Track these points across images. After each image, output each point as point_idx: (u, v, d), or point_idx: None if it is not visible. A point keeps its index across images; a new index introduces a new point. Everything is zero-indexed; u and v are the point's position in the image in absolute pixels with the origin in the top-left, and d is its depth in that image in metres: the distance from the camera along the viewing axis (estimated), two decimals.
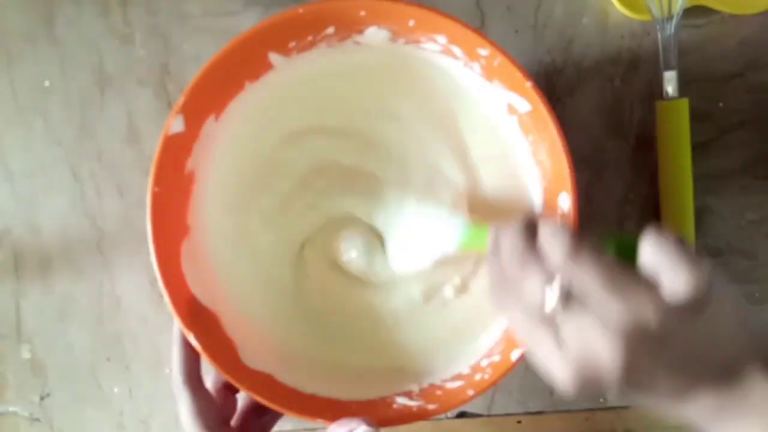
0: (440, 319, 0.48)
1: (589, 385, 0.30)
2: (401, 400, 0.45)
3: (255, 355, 0.45)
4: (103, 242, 0.51)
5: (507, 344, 0.45)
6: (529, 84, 0.42)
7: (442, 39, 0.44)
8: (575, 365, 0.30)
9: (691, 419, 0.32)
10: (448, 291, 0.47)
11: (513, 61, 0.42)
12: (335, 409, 0.44)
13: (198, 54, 0.51)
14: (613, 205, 0.52)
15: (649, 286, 0.30)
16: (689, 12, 0.50)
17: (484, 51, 0.43)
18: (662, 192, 0.51)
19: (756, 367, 0.31)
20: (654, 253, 0.30)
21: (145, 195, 0.42)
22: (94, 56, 0.51)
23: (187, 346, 0.42)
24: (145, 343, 0.52)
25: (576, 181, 0.43)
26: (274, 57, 0.44)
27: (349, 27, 0.44)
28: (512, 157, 0.47)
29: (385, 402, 0.45)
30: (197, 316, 0.43)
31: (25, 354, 0.52)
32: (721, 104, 0.52)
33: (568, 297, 0.30)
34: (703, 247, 0.52)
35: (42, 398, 0.52)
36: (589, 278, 0.30)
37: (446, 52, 0.45)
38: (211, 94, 0.43)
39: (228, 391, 0.44)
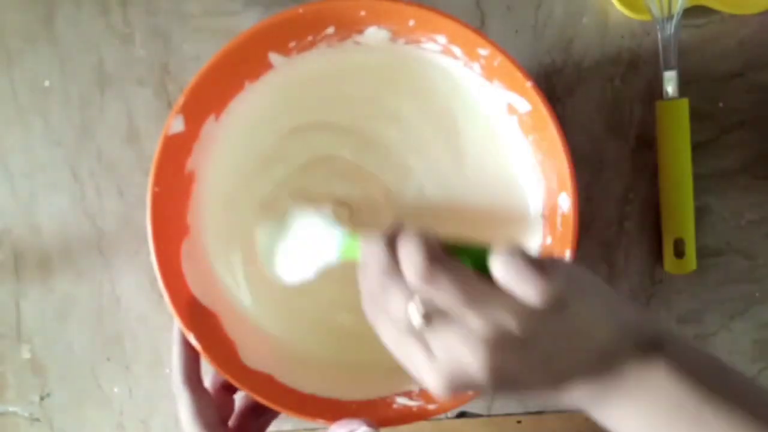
0: None
1: (461, 390, 0.32)
2: (401, 400, 0.45)
3: (255, 355, 0.45)
4: (103, 242, 0.51)
5: None
6: (529, 84, 0.42)
7: (442, 39, 0.44)
8: (445, 374, 0.31)
9: (574, 405, 0.33)
10: None
11: (513, 61, 0.42)
12: (335, 409, 0.44)
13: (198, 54, 0.51)
14: (613, 205, 0.52)
15: (505, 294, 0.30)
16: (689, 12, 0.50)
17: (484, 51, 0.43)
18: (662, 192, 0.51)
19: (629, 352, 0.32)
20: (502, 270, 0.30)
21: (145, 195, 0.42)
22: (94, 56, 0.51)
23: (187, 346, 0.42)
24: (145, 343, 0.52)
25: (576, 181, 0.43)
26: (274, 57, 0.44)
27: (349, 27, 0.44)
28: (512, 157, 0.47)
29: (385, 402, 0.45)
30: (197, 316, 0.43)
31: (25, 354, 0.52)
32: (721, 104, 0.52)
33: (429, 313, 0.31)
34: (703, 247, 0.52)
35: (42, 398, 0.52)
36: (446, 294, 0.30)
37: (446, 52, 0.45)
38: (211, 94, 0.43)
39: (226, 391, 0.44)
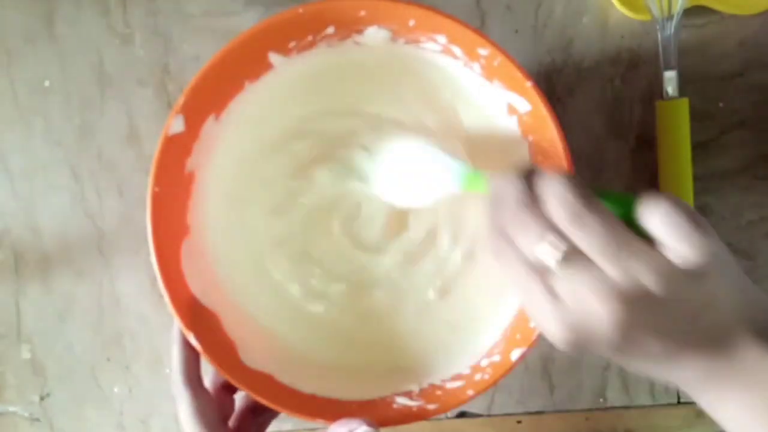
0: (438, 318, 0.48)
1: (582, 341, 0.30)
2: (401, 400, 0.45)
3: (255, 355, 0.45)
4: (103, 242, 0.51)
5: (507, 344, 0.45)
6: (529, 84, 0.42)
7: (442, 39, 0.44)
8: (569, 321, 0.30)
9: (680, 384, 0.32)
10: (431, 293, 0.48)
11: (513, 61, 0.42)
12: (335, 409, 0.44)
13: (198, 54, 0.51)
14: None
15: (652, 248, 0.29)
16: (689, 12, 0.50)
17: (484, 51, 0.43)
18: (662, 192, 0.51)
19: (748, 338, 0.31)
20: (661, 222, 0.29)
21: (145, 195, 0.42)
22: (94, 56, 0.51)
23: (187, 346, 0.42)
24: (145, 343, 0.52)
25: None
26: (274, 57, 0.44)
27: (349, 27, 0.44)
28: (512, 157, 0.47)
29: (385, 402, 0.45)
30: (197, 316, 0.43)
31: (25, 354, 0.52)
32: (721, 104, 0.52)
33: (567, 252, 0.30)
34: None
35: (42, 398, 0.52)
36: (592, 237, 0.29)
37: (446, 52, 0.45)
38: (211, 94, 0.43)
39: (226, 391, 0.44)
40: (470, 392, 0.44)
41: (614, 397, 0.53)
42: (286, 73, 0.46)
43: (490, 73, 0.44)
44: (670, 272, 0.29)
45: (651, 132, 0.51)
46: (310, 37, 0.44)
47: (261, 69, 0.45)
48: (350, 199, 0.48)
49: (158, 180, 0.42)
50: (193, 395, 0.41)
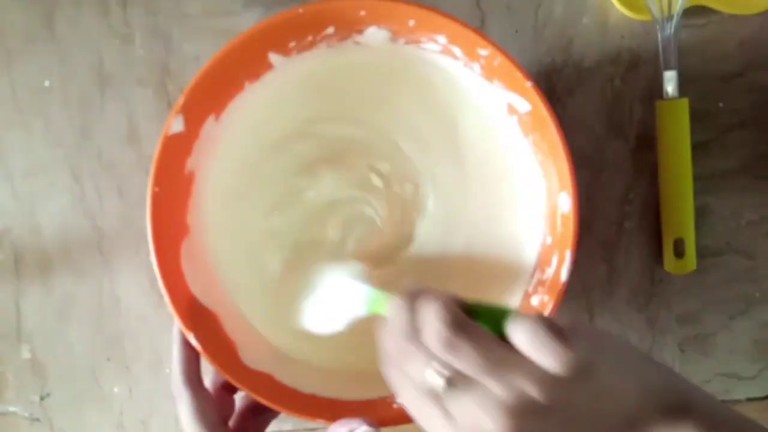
0: None
1: None
2: None
3: (255, 355, 0.45)
4: (103, 242, 0.51)
5: None
6: (529, 84, 0.42)
7: (442, 39, 0.44)
8: None
9: None
10: None
11: (513, 61, 0.42)
12: (335, 409, 0.44)
13: (198, 54, 0.51)
14: (613, 205, 0.52)
15: (527, 360, 0.30)
16: (689, 12, 0.50)
17: (484, 51, 0.43)
18: (662, 192, 0.51)
19: (656, 418, 0.32)
20: (523, 338, 0.30)
21: (145, 195, 0.42)
22: (94, 56, 0.51)
23: (187, 346, 0.42)
24: (145, 343, 0.52)
25: (576, 181, 0.43)
26: (274, 57, 0.44)
27: (349, 27, 0.44)
28: (512, 157, 0.47)
29: (385, 402, 0.45)
30: (197, 316, 0.43)
31: (25, 354, 0.52)
32: (721, 104, 0.52)
33: (450, 378, 0.31)
34: (703, 247, 0.52)
35: (42, 398, 0.52)
36: (467, 360, 0.30)
37: (446, 52, 0.45)
38: (211, 94, 0.43)
39: (226, 391, 0.44)
40: None
41: None
42: (286, 74, 0.46)
43: (490, 73, 0.44)
44: (550, 380, 0.30)
45: (651, 132, 0.51)
46: (310, 37, 0.44)
47: (261, 69, 0.45)
48: (350, 205, 0.48)
49: (158, 180, 0.42)
50: (193, 395, 0.41)
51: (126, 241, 0.51)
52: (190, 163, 0.45)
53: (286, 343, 0.48)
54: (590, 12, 0.52)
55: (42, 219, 0.51)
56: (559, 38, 0.52)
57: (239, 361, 0.44)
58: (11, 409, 0.52)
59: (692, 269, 0.51)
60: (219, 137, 0.46)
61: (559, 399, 0.30)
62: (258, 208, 0.48)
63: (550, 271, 0.45)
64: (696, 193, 0.51)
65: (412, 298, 0.33)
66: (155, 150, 0.42)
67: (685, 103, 0.50)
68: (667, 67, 0.50)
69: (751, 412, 0.53)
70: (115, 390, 0.52)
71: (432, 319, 0.31)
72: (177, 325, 0.42)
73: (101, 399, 0.52)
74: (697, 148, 0.51)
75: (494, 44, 0.42)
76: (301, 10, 0.42)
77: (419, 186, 0.48)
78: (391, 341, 0.33)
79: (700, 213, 0.52)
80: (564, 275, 0.43)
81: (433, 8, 0.42)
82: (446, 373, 0.31)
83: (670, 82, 0.50)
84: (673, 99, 0.50)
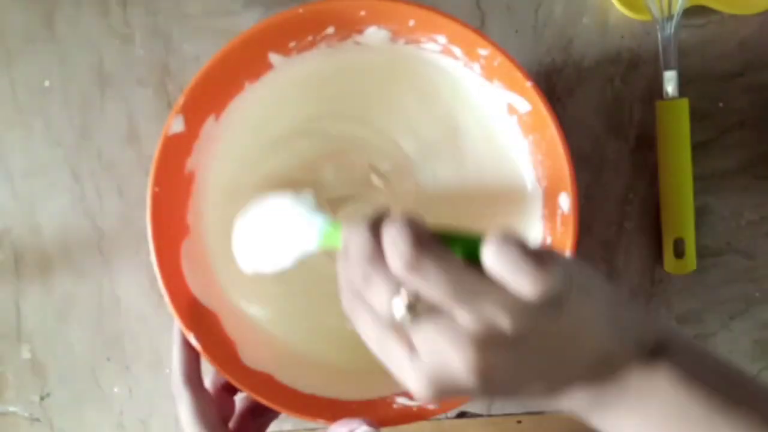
0: None
1: (446, 393, 0.29)
2: (401, 400, 0.45)
3: (255, 355, 0.45)
4: (103, 242, 0.51)
5: None
6: (529, 84, 0.42)
7: (442, 39, 0.44)
8: (429, 375, 0.29)
9: (572, 412, 0.32)
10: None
11: (513, 61, 0.42)
12: (335, 409, 0.44)
13: (198, 54, 0.51)
14: (613, 205, 0.52)
15: (498, 288, 0.28)
16: (689, 12, 0.50)
17: (484, 51, 0.43)
18: (662, 192, 0.51)
19: (631, 357, 0.30)
20: (494, 259, 0.27)
21: (145, 195, 0.42)
22: (94, 56, 0.51)
23: (187, 346, 0.42)
24: (145, 343, 0.52)
25: (576, 181, 0.43)
26: (274, 57, 0.44)
27: (349, 27, 0.44)
28: (512, 157, 0.47)
29: (385, 402, 0.45)
30: (197, 316, 0.43)
31: (25, 354, 0.52)
32: (721, 104, 0.52)
33: (414, 306, 0.28)
34: (703, 247, 0.52)
35: (42, 398, 0.52)
36: (433, 285, 0.28)
37: (446, 52, 0.45)
38: (211, 94, 0.43)
39: (226, 392, 0.44)
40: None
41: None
42: (286, 74, 0.46)
43: (490, 73, 0.44)
44: (521, 309, 0.28)
45: (651, 132, 0.51)
46: (310, 38, 0.44)
47: (261, 69, 0.45)
48: (351, 205, 0.48)
49: (158, 180, 0.42)
50: (193, 396, 0.41)
51: (126, 241, 0.51)
52: (190, 163, 0.45)
53: (287, 342, 0.48)
54: (590, 12, 0.52)
55: (42, 219, 0.51)
56: (559, 38, 0.52)
57: (239, 362, 0.44)
58: (11, 409, 0.52)
59: (692, 269, 0.51)
60: (219, 137, 0.46)
61: (530, 331, 0.28)
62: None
63: None
64: (696, 193, 0.51)
65: (374, 223, 0.30)
66: (155, 150, 0.42)
67: (685, 103, 0.50)
68: (667, 67, 0.50)
69: None
70: (115, 390, 0.52)
71: (395, 240, 0.28)
72: (177, 325, 0.42)
73: (101, 399, 0.52)
74: (697, 148, 0.51)
75: (494, 44, 0.42)
76: (301, 10, 0.42)
77: (419, 185, 0.48)
78: (351, 268, 0.30)
79: (700, 213, 0.52)
80: None
81: (433, 8, 0.42)
82: (408, 300, 0.28)
83: (670, 82, 0.50)
84: (673, 99, 0.50)
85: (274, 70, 0.45)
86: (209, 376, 0.44)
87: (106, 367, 0.52)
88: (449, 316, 0.28)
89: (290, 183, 0.48)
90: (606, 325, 0.30)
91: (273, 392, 0.44)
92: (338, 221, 0.35)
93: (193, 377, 0.42)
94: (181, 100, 0.42)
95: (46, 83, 0.51)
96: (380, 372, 0.47)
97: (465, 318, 0.28)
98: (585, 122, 0.52)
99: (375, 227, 0.29)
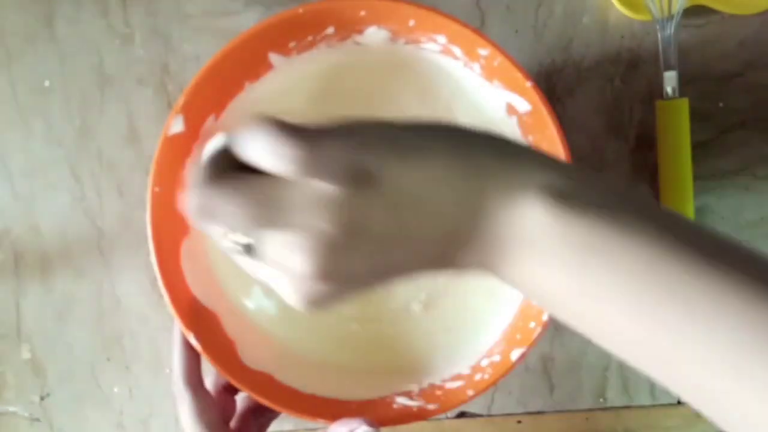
0: (433, 321, 0.48)
1: (318, 302, 0.28)
2: (401, 400, 0.45)
3: (255, 355, 0.45)
4: (103, 242, 0.51)
5: (507, 344, 0.45)
6: (529, 84, 0.42)
7: (442, 39, 0.44)
8: (299, 294, 0.28)
9: (480, 273, 0.29)
10: (416, 306, 0.48)
11: (513, 61, 0.42)
12: (335, 409, 0.44)
13: (198, 54, 0.51)
14: None
15: (292, 189, 0.26)
16: (689, 12, 0.50)
17: (484, 51, 0.43)
18: (662, 192, 0.51)
19: (488, 205, 0.27)
20: (252, 153, 0.26)
21: (145, 195, 0.42)
22: (94, 56, 0.51)
23: (187, 347, 0.42)
24: (145, 343, 0.52)
25: None
26: (274, 57, 0.44)
27: (349, 27, 0.44)
28: None
29: (385, 402, 0.45)
30: (197, 316, 0.43)
31: (25, 354, 0.52)
32: (721, 104, 0.52)
33: (239, 247, 0.27)
34: None
35: (42, 398, 0.52)
36: (238, 226, 0.26)
37: (446, 52, 0.45)
38: (211, 94, 0.43)
39: (227, 392, 0.44)
40: (470, 392, 0.44)
41: (614, 397, 0.53)
42: (286, 74, 0.46)
43: (489, 73, 0.44)
44: (324, 201, 0.26)
45: (651, 132, 0.51)
46: (310, 38, 0.44)
47: (261, 69, 0.45)
48: None
49: (158, 180, 0.42)
50: (194, 397, 0.41)
51: (126, 241, 0.51)
52: (190, 164, 0.44)
53: (287, 342, 0.48)
54: (590, 12, 0.52)
55: (42, 219, 0.51)
56: (559, 38, 0.52)
57: (239, 361, 0.44)
58: (11, 409, 0.52)
59: None
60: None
61: (355, 220, 0.26)
62: None
63: None
64: (696, 193, 0.51)
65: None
66: (155, 150, 0.42)
67: (685, 103, 0.50)
68: (667, 67, 0.50)
69: None
70: (115, 390, 0.52)
71: (192, 180, 0.27)
72: (177, 326, 0.42)
73: (101, 399, 0.52)
74: (697, 148, 0.51)
75: (494, 44, 0.42)
76: (301, 10, 0.42)
77: None
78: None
79: (700, 213, 0.52)
80: None
81: (433, 8, 0.42)
82: (230, 244, 0.27)
83: (670, 82, 0.50)
84: (673, 99, 0.50)
85: (274, 70, 0.45)
86: (210, 376, 0.44)
87: (106, 367, 0.52)
88: (273, 239, 0.27)
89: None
90: (451, 183, 0.27)
91: (273, 392, 0.44)
92: None
93: (193, 378, 0.42)
94: (181, 100, 0.42)
95: (46, 83, 0.51)
96: (380, 372, 0.47)
97: (280, 238, 0.26)
98: (585, 122, 0.52)
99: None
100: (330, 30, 0.44)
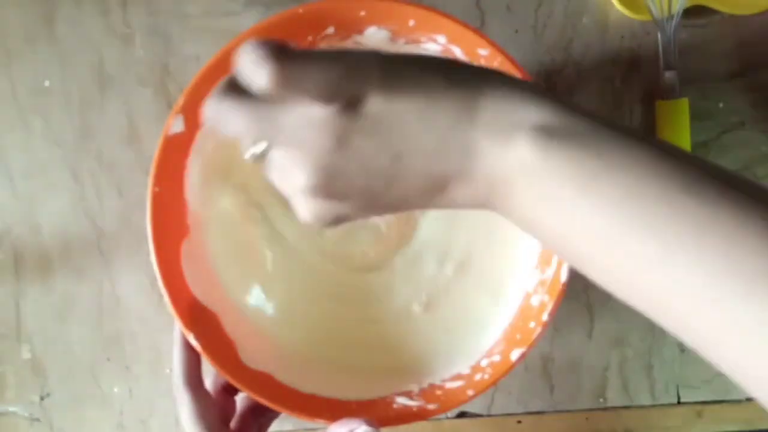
0: (432, 322, 0.48)
1: (322, 218, 0.30)
2: (401, 400, 0.45)
3: (255, 355, 0.45)
4: (103, 242, 0.51)
5: (507, 344, 0.45)
6: None
7: (442, 39, 0.44)
8: (300, 205, 0.30)
9: (478, 209, 0.30)
10: (416, 307, 0.48)
11: (513, 61, 0.42)
12: (335, 409, 0.44)
13: (198, 54, 0.51)
14: None
15: (290, 105, 0.27)
16: (689, 12, 0.50)
17: (484, 51, 0.43)
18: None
19: (476, 148, 0.28)
20: (242, 65, 0.27)
21: (145, 195, 0.42)
22: (94, 56, 0.51)
23: (187, 347, 0.42)
24: (145, 343, 0.52)
25: None
26: None
27: (349, 27, 0.44)
28: None
29: (385, 402, 0.45)
30: (197, 316, 0.43)
31: (25, 354, 0.52)
32: (721, 104, 0.52)
33: (252, 156, 0.29)
34: None
35: (42, 398, 0.52)
36: (240, 127, 0.28)
37: (446, 52, 0.45)
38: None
39: (227, 393, 0.44)
40: (470, 392, 0.44)
41: (614, 397, 0.53)
42: None
43: None
44: (315, 119, 0.27)
45: (651, 132, 0.51)
46: (310, 38, 0.44)
47: None
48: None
49: (158, 180, 0.42)
50: (194, 397, 0.41)
51: (126, 241, 0.51)
52: (190, 164, 0.44)
53: (287, 342, 0.48)
54: (590, 12, 0.52)
55: (42, 219, 0.51)
56: (559, 38, 0.52)
57: (239, 361, 0.44)
58: (11, 409, 0.52)
59: None
60: (219, 137, 0.46)
61: (341, 137, 0.27)
62: (258, 207, 0.48)
63: (549, 272, 0.45)
64: None
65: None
66: (155, 150, 0.42)
67: (685, 103, 0.50)
68: (667, 68, 0.50)
69: (751, 412, 0.53)
70: (115, 390, 0.52)
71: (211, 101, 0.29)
72: (178, 327, 0.42)
73: (101, 399, 0.52)
74: (697, 148, 0.51)
75: (494, 44, 0.42)
76: (300, 11, 0.42)
77: None
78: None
79: None
80: (564, 275, 0.43)
81: (433, 8, 0.42)
82: (247, 144, 0.29)
83: (670, 82, 0.50)
84: (673, 99, 0.50)
85: None
86: (210, 377, 0.44)
87: (106, 367, 0.52)
88: (277, 155, 0.29)
89: None
90: (423, 120, 0.28)
91: (273, 392, 0.44)
92: None
93: (193, 379, 0.42)
94: (181, 101, 0.42)
95: (47, 83, 0.51)
96: (380, 372, 0.47)
97: (284, 154, 0.28)
98: None
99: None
100: (330, 30, 0.44)
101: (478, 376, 0.44)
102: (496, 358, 0.45)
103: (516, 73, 0.42)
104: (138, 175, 0.51)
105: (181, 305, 0.42)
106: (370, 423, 0.40)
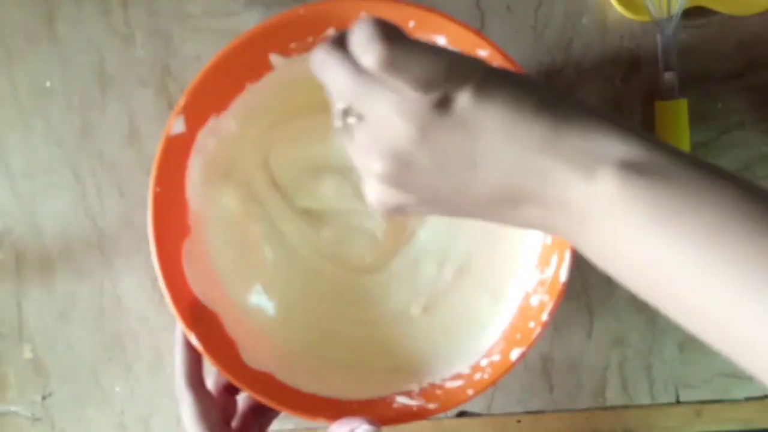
0: (432, 322, 0.48)
1: (387, 205, 0.31)
2: (401, 400, 0.45)
3: (256, 354, 0.45)
4: (104, 242, 0.51)
5: (507, 344, 0.45)
6: None
7: (441, 40, 0.44)
8: (369, 187, 0.31)
9: (541, 231, 0.31)
10: (415, 309, 0.48)
11: (513, 61, 0.42)
12: (335, 409, 0.44)
13: (199, 54, 0.51)
14: None
15: (390, 88, 0.28)
16: (689, 12, 0.50)
17: (484, 52, 0.43)
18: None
19: (559, 170, 0.28)
20: (352, 36, 0.28)
21: (146, 195, 0.42)
22: (95, 57, 0.51)
23: (189, 348, 0.42)
24: (146, 343, 0.52)
25: None
26: (274, 58, 0.44)
27: (349, 27, 0.44)
28: None
29: (385, 401, 0.45)
30: (198, 316, 0.44)
31: (27, 354, 0.52)
32: (720, 104, 0.52)
33: (344, 114, 0.30)
34: None
35: (43, 398, 0.52)
36: (337, 96, 0.30)
37: None
38: (212, 95, 0.43)
39: (228, 393, 0.45)
40: (470, 392, 0.44)
41: (614, 396, 0.53)
42: (287, 74, 0.46)
43: None
44: (406, 104, 0.28)
45: (651, 132, 0.52)
46: (310, 38, 0.44)
47: (262, 70, 0.45)
48: (350, 216, 0.48)
49: (159, 180, 0.42)
50: (195, 397, 0.41)
51: (127, 241, 0.51)
52: (191, 164, 0.45)
53: (288, 342, 0.48)
54: (590, 12, 0.52)
55: (43, 219, 0.51)
56: (559, 38, 0.52)
57: (240, 361, 0.45)
58: (13, 408, 0.52)
59: None
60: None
61: (423, 129, 0.28)
62: (258, 207, 0.48)
63: (549, 272, 0.45)
64: None
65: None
66: (156, 150, 0.42)
67: (684, 104, 0.50)
68: (667, 68, 0.50)
69: (750, 411, 0.54)
70: (117, 389, 0.52)
71: (319, 52, 0.30)
72: (179, 327, 0.42)
73: (103, 398, 0.52)
74: (697, 148, 0.51)
75: (494, 45, 0.42)
76: (301, 11, 0.42)
77: None
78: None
79: None
80: (563, 275, 0.43)
81: (433, 9, 0.42)
82: (337, 109, 0.30)
83: (669, 83, 0.50)
84: (672, 99, 0.50)
85: (274, 71, 0.45)
86: (211, 377, 0.44)
87: (107, 367, 0.52)
88: (359, 128, 0.30)
89: (291, 186, 0.48)
90: (509, 135, 0.28)
91: (274, 392, 0.44)
92: None
93: (195, 379, 0.42)
94: (182, 101, 0.42)
95: (47, 83, 0.51)
96: (381, 371, 0.47)
97: (367, 129, 0.29)
98: None
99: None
100: (330, 31, 0.44)
101: (478, 376, 0.45)
102: (496, 357, 0.45)
103: None
104: (139, 175, 0.51)
105: (182, 305, 0.43)
106: (370, 422, 0.40)
